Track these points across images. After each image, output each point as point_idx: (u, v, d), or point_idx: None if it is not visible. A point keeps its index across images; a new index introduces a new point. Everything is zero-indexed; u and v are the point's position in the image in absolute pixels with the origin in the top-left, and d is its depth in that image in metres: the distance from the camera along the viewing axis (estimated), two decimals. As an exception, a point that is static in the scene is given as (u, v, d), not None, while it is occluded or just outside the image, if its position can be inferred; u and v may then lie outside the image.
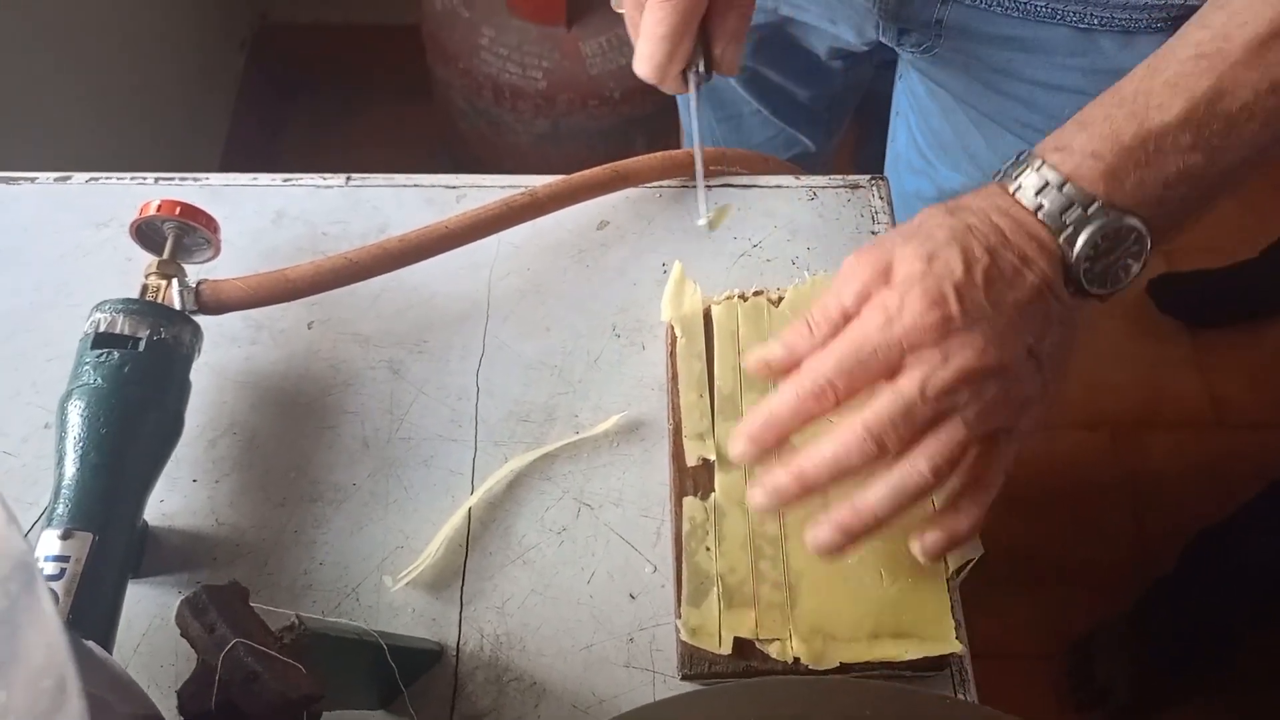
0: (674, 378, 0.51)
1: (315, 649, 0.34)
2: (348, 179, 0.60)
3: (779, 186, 0.60)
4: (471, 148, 1.38)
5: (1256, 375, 1.59)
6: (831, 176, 0.61)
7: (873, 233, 0.58)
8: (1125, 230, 0.41)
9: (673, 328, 0.53)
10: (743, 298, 0.53)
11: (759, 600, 0.45)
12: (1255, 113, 0.40)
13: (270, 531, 0.49)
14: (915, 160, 0.79)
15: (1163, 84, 0.41)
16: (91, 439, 0.44)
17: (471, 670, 0.46)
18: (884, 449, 0.40)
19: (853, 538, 0.42)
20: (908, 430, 0.40)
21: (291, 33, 1.72)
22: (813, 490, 0.42)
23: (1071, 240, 0.41)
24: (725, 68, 0.54)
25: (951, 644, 0.44)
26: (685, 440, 0.49)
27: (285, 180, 0.60)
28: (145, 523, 0.47)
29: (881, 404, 0.40)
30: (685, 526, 0.47)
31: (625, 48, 1.20)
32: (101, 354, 0.45)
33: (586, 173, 0.56)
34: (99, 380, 0.45)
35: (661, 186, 0.60)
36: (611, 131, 1.27)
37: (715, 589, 0.45)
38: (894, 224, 0.59)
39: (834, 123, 0.94)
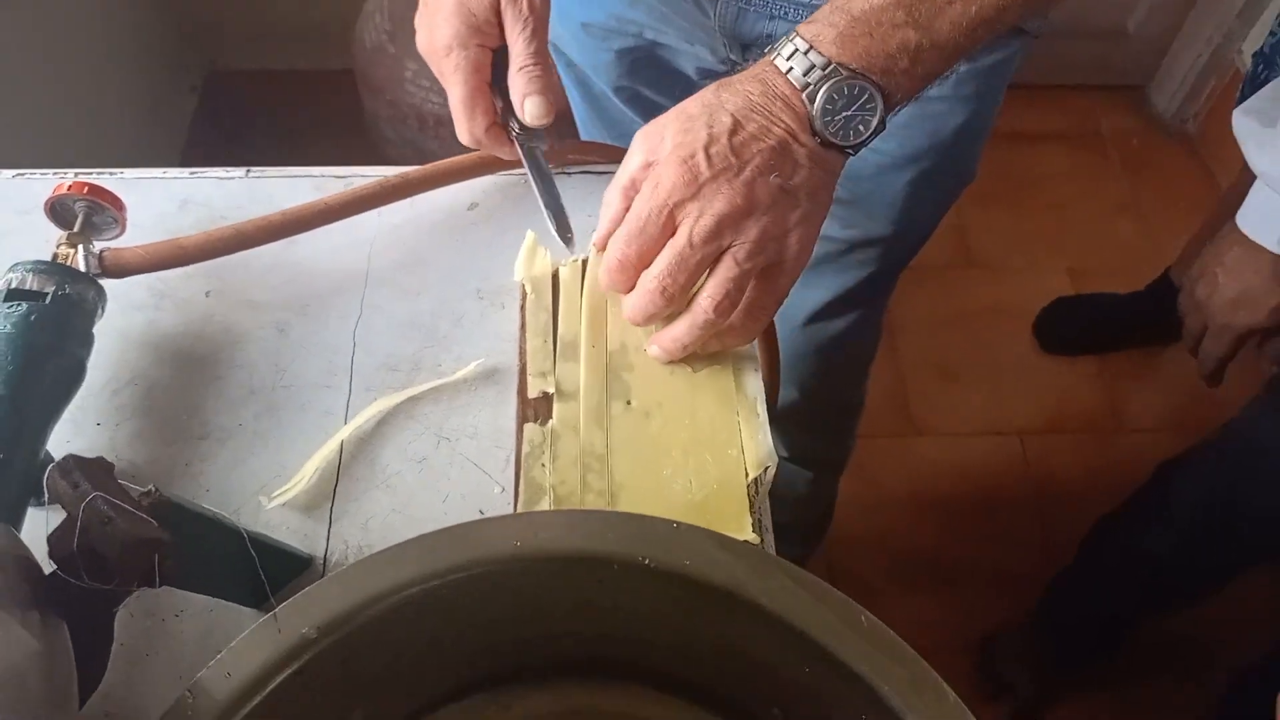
0: (523, 327, 0.59)
1: (171, 516, 0.41)
2: (247, 171, 0.68)
3: (629, 172, 0.68)
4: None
5: (1154, 385, 1.69)
6: (676, 163, 0.69)
7: (710, 209, 0.66)
8: (857, 89, 0.50)
9: (524, 286, 0.60)
10: (587, 262, 0.61)
11: (584, 505, 0.52)
12: None
13: (163, 466, 0.56)
14: None
15: None
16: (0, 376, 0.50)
17: (336, 576, 0.52)
18: (670, 295, 0.51)
19: (676, 357, 0.55)
20: (685, 275, 0.51)
21: (239, 78, 1.81)
22: (644, 325, 0.55)
23: (812, 96, 0.50)
24: (530, 118, 0.60)
25: (747, 533, 0.51)
26: (529, 377, 0.57)
27: (192, 173, 0.68)
28: (50, 455, 0.54)
29: (661, 257, 0.51)
30: (525, 448, 0.54)
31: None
32: (12, 306, 0.52)
33: (457, 158, 0.64)
34: (8, 327, 0.51)
35: (526, 174, 0.68)
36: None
37: (548, 498, 0.52)
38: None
39: None
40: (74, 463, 0.38)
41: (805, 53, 0.50)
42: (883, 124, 0.51)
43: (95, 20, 1.50)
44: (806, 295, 0.97)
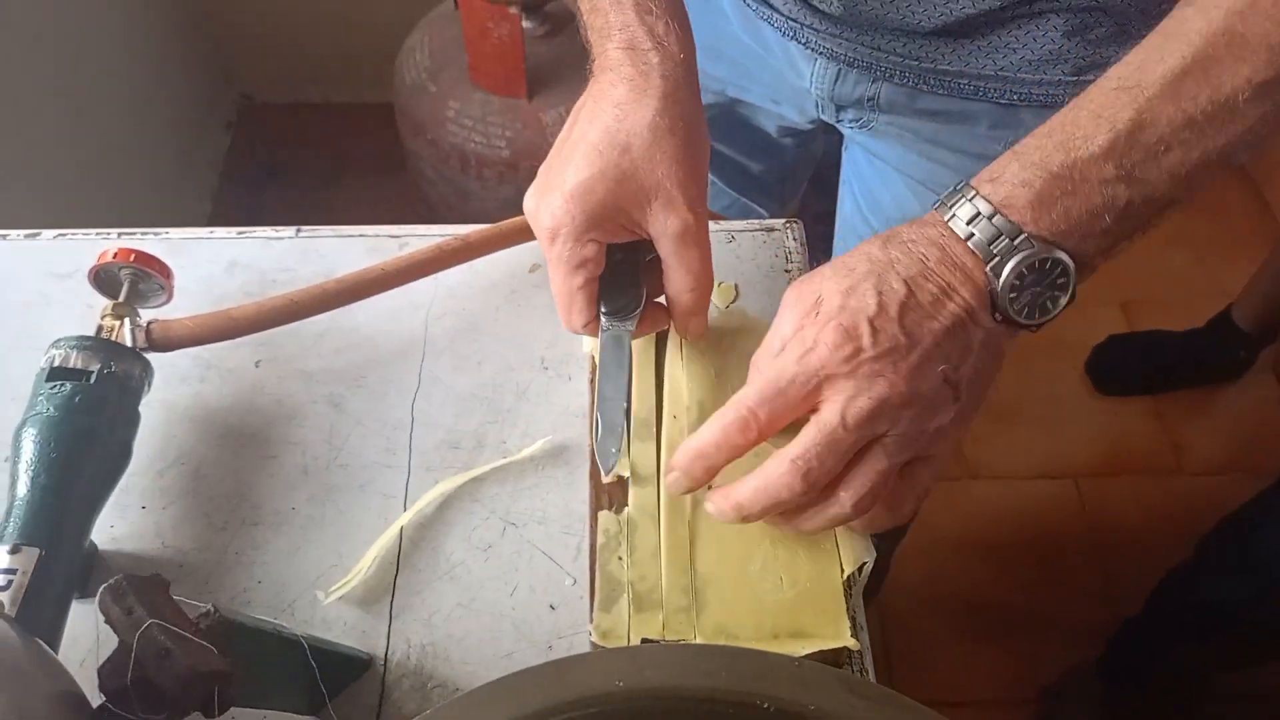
0: (592, 401, 0.55)
1: (231, 637, 0.37)
2: (297, 231, 0.65)
3: (699, 230, 0.64)
4: (441, 215, 1.44)
5: (1214, 425, 1.63)
6: (749, 221, 0.65)
7: (786, 271, 0.63)
8: (1051, 263, 0.42)
9: (593, 358, 0.56)
10: (660, 332, 0.57)
11: (667, 604, 0.48)
12: (1172, 145, 0.41)
13: (212, 553, 0.52)
14: (859, 225, 0.84)
15: (1088, 115, 0.43)
16: (42, 462, 0.47)
17: (398, 679, 0.48)
18: (812, 480, 0.42)
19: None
20: (832, 460, 0.42)
21: (274, 112, 1.80)
22: (750, 519, 0.45)
23: (998, 270, 0.42)
24: (692, 338, 0.53)
25: (846, 640, 0.47)
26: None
27: (239, 233, 0.65)
28: (94, 544, 0.50)
29: (805, 434, 0.42)
30: (600, 539, 0.50)
31: (585, 118, 1.26)
32: (55, 386, 0.49)
33: (515, 220, 0.61)
34: (51, 409, 0.48)
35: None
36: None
37: (626, 595, 0.48)
38: (807, 264, 0.63)
39: (787, 193, 0.99)
40: (128, 584, 0.35)
41: (990, 218, 0.43)
42: (1074, 297, 0.43)
43: (126, 56, 1.49)
44: None
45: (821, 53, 0.66)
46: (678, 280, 0.49)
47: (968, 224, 0.43)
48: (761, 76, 0.74)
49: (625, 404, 0.50)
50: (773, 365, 0.44)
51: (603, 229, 0.48)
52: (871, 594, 1.35)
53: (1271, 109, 0.42)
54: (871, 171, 0.78)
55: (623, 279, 0.51)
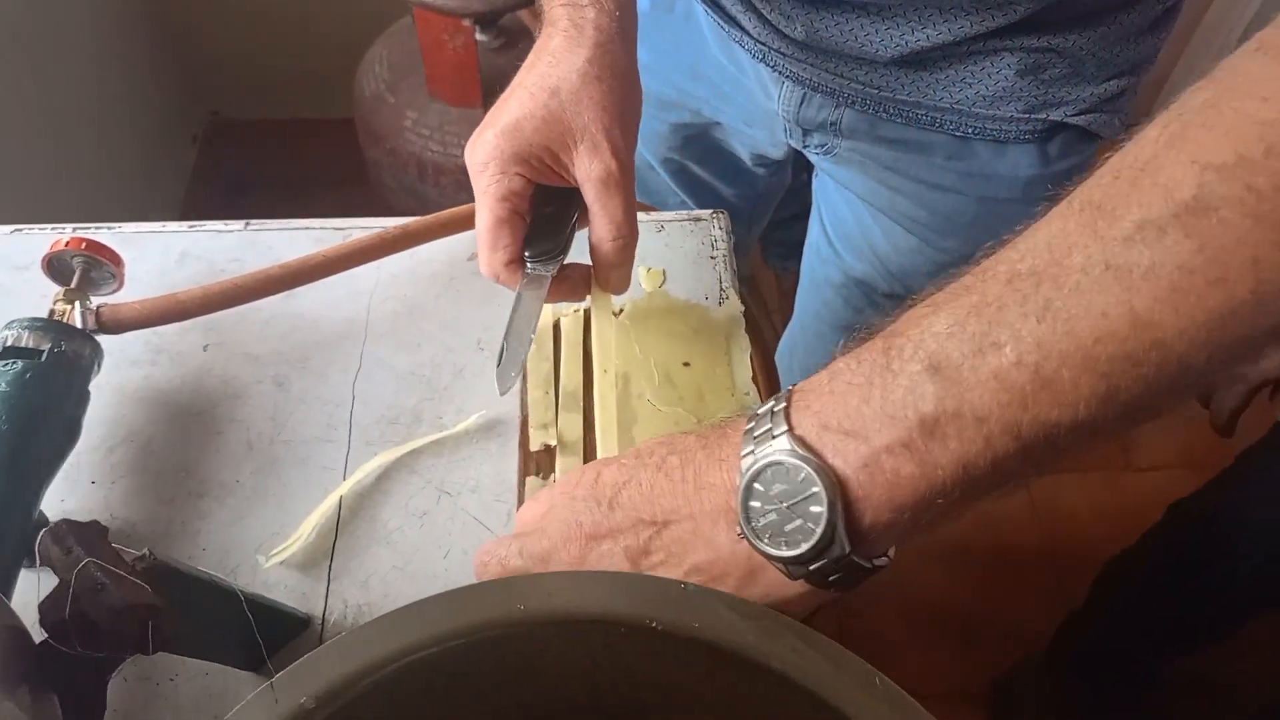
0: (524, 378, 0.58)
1: (166, 580, 0.40)
2: (246, 224, 0.67)
3: (630, 220, 0.68)
4: (405, 226, 1.47)
5: (1160, 423, 1.67)
6: (678, 212, 0.69)
7: (711, 258, 0.66)
8: (802, 476, 0.33)
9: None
10: (589, 312, 0.61)
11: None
12: (1003, 340, 0.31)
13: (159, 525, 0.55)
14: (825, 250, 0.87)
15: (918, 307, 0.35)
16: (-7, 435, 0.50)
17: (334, 636, 0.51)
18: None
19: None
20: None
21: (239, 127, 1.82)
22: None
23: (746, 470, 0.35)
24: (616, 292, 0.54)
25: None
26: (531, 430, 0.56)
27: (190, 227, 0.67)
28: (44, 515, 0.53)
29: (486, 547, 0.44)
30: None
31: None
32: (7, 363, 0.51)
33: (455, 209, 0.64)
34: (3, 385, 0.51)
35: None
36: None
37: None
38: (730, 254, 0.67)
39: (755, 218, 1.02)
40: (67, 527, 0.38)
41: (774, 411, 0.36)
42: (837, 545, 0.33)
43: (95, 71, 1.51)
44: None
45: (788, 76, 0.69)
46: (600, 227, 0.51)
47: (758, 415, 0.37)
48: (736, 98, 0.77)
49: (530, 337, 0.52)
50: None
51: (529, 165, 0.50)
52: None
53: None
54: (839, 198, 0.82)
55: (550, 228, 0.53)
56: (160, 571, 0.40)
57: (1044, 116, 0.65)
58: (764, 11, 0.65)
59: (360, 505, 0.55)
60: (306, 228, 0.68)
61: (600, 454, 0.53)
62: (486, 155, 0.51)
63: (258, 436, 0.58)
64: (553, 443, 0.55)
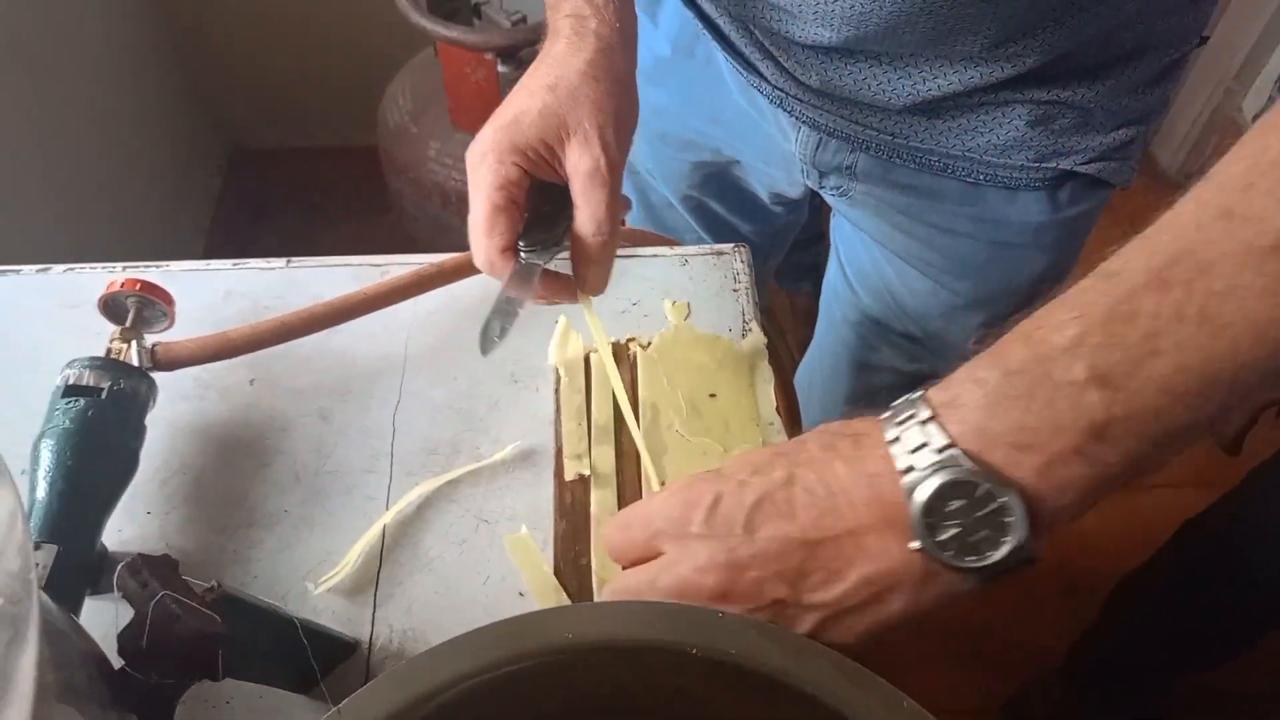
0: (558, 410, 0.61)
1: (232, 609, 0.42)
2: (288, 262, 0.70)
3: (656, 255, 0.71)
4: (423, 249, 1.49)
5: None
6: (701, 246, 0.71)
7: (734, 291, 0.69)
8: (982, 493, 0.35)
9: (558, 370, 0.62)
10: (618, 345, 0.63)
11: (623, 587, 0.53)
12: (1162, 346, 0.33)
13: (212, 553, 0.57)
14: (842, 288, 0.89)
15: (1058, 305, 0.36)
16: (59, 470, 0.52)
17: (382, 660, 0.53)
18: None
19: None
20: None
21: (263, 157, 1.86)
22: None
23: (912, 488, 0.36)
24: (593, 292, 0.54)
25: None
26: (565, 460, 0.59)
27: (234, 264, 0.70)
28: (104, 545, 0.55)
29: (618, 582, 0.42)
30: (562, 530, 0.56)
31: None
32: (70, 402, 0.54)
33: (488, 248, 0.67)
34: (67, 422, 0.54)
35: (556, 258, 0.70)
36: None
37: (590, 581, 0.54)
38: (752, 287, 0.69)
39: (772, 254, 1.04)
40: (142, 561, 0.40)
41: (924, 423, 0.36)
42: (1027, 553, 0.35)
43: (130, 106, 1.55)
44: None
45: (805, 121, 0.72)
46: (583, 220, 0.51)
47: (898, 425, 0.37)
48: (755, 139, 0.79)
49: (517, 311, 0.53)
50: (638, 504, 0.44)
51: (525, 157, 0.52)
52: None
53: None
54: (855, 239, 0.84)
55: (546, 222, 0.54)
56: (227, 601, 0.42)
57: (1054, 165, 0.67)
58: (781, 60, 0.68)
59: (403, 533, 0.58)
60: (345, 264, 0.70)
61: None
62: (485, 148, 0.52)
63: (304, 468, 0.60)
64: (586, 473, 0.58)
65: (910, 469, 0.36)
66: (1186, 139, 2.00)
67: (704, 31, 0.73)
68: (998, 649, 1.49)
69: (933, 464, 0.35)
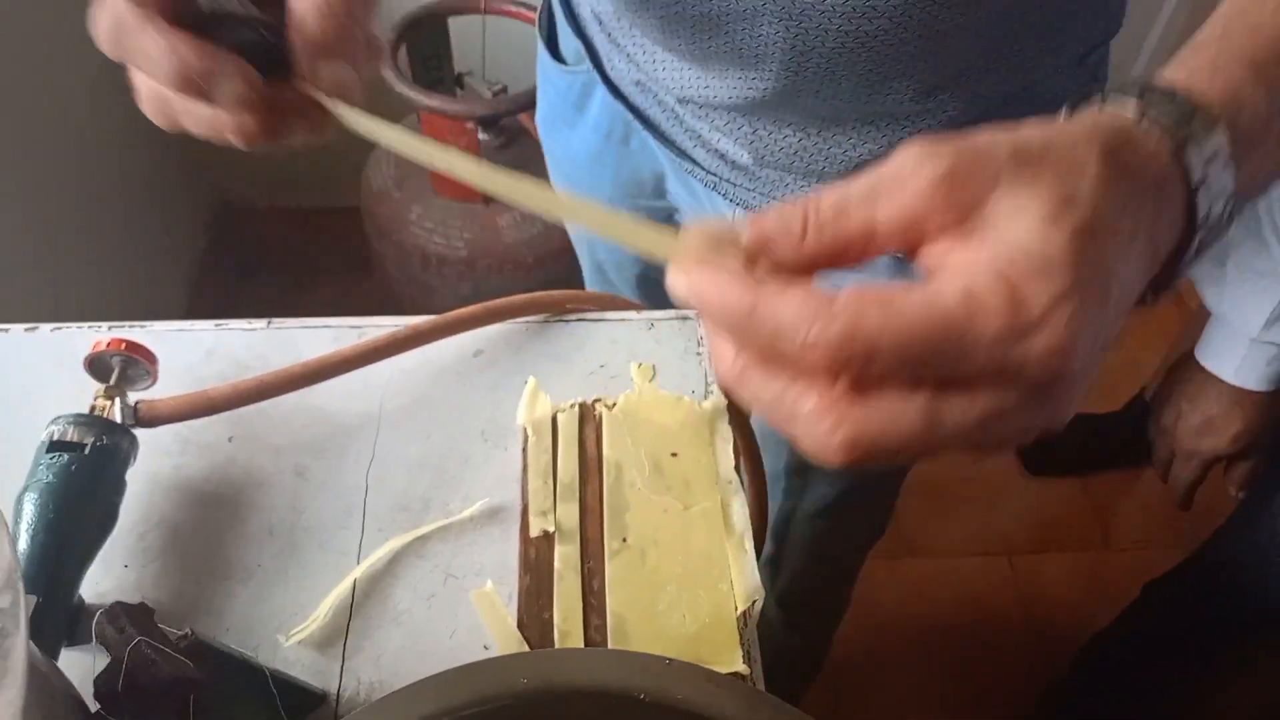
0: (525, 468, 0.63)
1: (205, 656, 0.44)
2: (269, 323, 0.73)
3: (623, 320, 0.74)
4: (405, 310, 1.53)
5: (1138, 501, 1.73)
6: (666, 311, 0.75)
7: (697, 354, 0.72)
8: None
9: (526, 429, 0.65)
10: (584, 406, 0.66)
11: (586, 641, 0.55)
12: None
13: (186, 604, 0.59)
14: None
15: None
16: (41, 522, 0.54)
17: (349, 710, 0.55)
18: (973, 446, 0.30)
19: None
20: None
21: (250, 216, 1.90)
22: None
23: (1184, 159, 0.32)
24: (324, 82, 0.43)
25: (738, 666, 0.54)
26: (531, 517, 0.61)
27: (217, 325, 0.73)
28: (81, 598, 0.57)
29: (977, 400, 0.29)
30: (528, 584, 0.58)
31: (535, 220, 1.38)
32: (54, 456, 0.56)
33: (463, 310, 0.70)
34: (50, 477, 0.56)
35: (527, 321, 0.73)
36: (526, 291, 1.43)
37: (553, 634, 0.56)
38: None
39: None
40: (120, 609, 0.42)
41: (1172, 97, 0.33)
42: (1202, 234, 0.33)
43: (119, 163, 1.59)
44: (816, 491, 1.00)
45: (738, 203, 0.76)
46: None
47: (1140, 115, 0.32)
48: (696, 217, 0.83)
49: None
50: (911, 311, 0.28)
51: None
52: (808, 678, 1.41)
53: None
54: None
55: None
56: (201, 649, 0.44)
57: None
58: (713, 142, 0.72)
59: (373, 588, 0.60)
60: (325, 325, 0.73)
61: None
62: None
63: (279, 523, 0.62)
64: (551, 529, 0.60)
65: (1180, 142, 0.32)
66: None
67: (633, 121, 0.77)
68: (970, 703, 1.50)
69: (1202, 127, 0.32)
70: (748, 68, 0.64)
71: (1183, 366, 0.85)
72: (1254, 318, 0.75)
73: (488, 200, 1.38)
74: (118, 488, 0.59)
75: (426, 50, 1.46)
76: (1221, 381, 0.80)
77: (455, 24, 1.49)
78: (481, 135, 1.36)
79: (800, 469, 0.96)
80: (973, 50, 0.61)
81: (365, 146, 1.57)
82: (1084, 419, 1.76)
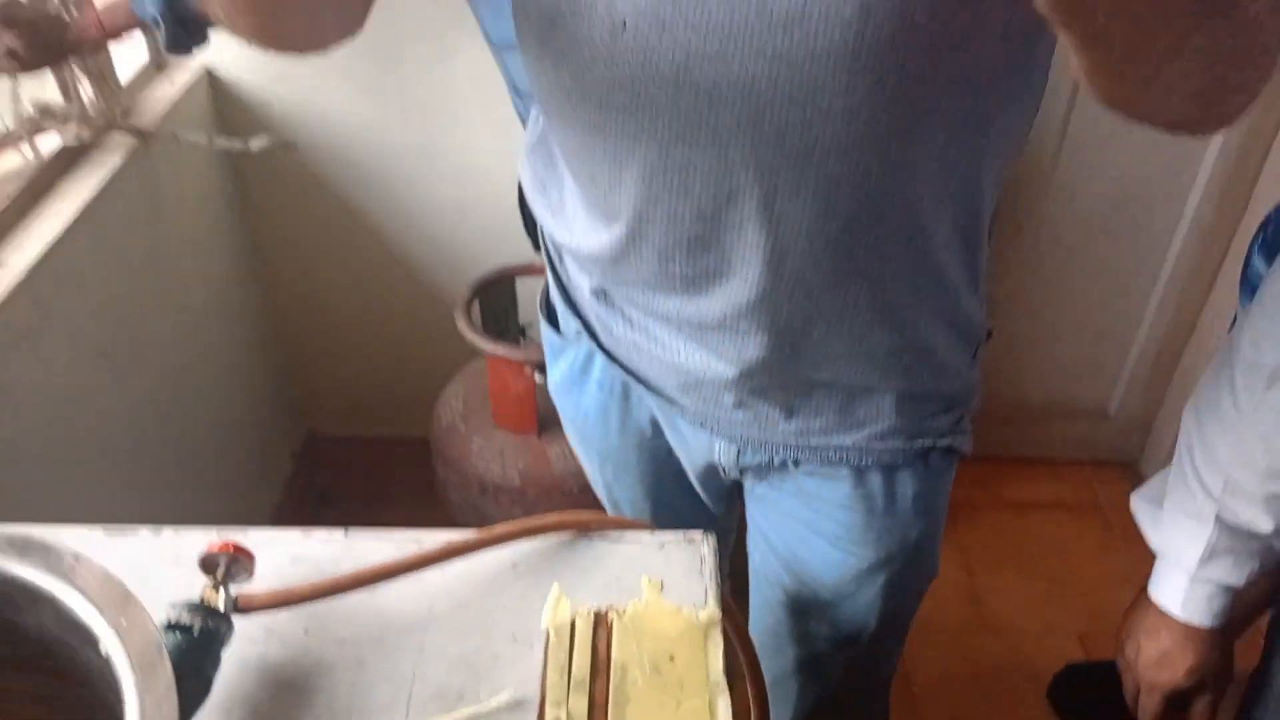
0: (545, 664, 0.75)
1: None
2: (345, 532, 0.88)
3: (638, 541, 0.87)
4: (464, 534, 1.69)
5: None
6: (674, 533, 0.88)
7: (699, 572, 0.84)
8: None
9: (548, 631, 0.77)
10: (599, 613, 0.78)
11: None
12: None
13: (257, 769, 0.71)
14: (762, 564, 1.07)
15: None
16: (153, 688, 0.68)
17: None
18: None
19: None
20: None
21: (331, 444, 2.10)
22: None
23: None
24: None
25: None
26: (546, 707, 0.72)
27: (303, 533, 0.88)
28: (173, 756, 0.69)
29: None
30: (540, 764, 0.68)
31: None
32: (169, 634, 0.71)
33: (502, 525, 0.84)
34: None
35: (559, 538, 0.87)
36: (577, 520, 1.58)
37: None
38: (715, 568, 0.85)
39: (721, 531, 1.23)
40: None
41: None
42: None
43: (218, 393, 1.82)
44: (797, 695, 1.11)
45: (723, 435, 0.92)
46: None
47: None
48: (684, 454, 1.00)
49: None
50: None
51: None
52: None
53: None
54: (775, 517, 1.01)
55: None
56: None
57: (922, 443, 0.86)
58: (700, 391, 0.89)
59: (411, 762, 0.71)
60: (389, 537, 0.88)
61: None
62: None
63: (338, 706, 0.75)
64: (564, 718, 0.71)
65: None
66: (1171, 459, 2.16)
67: (629, 379, 0.94)
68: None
69: None
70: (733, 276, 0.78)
71: (1141, 601, 0.92)
72: (1189, 556, 0.84)
73: (540, 432, 1.56)
74: (215, 664, 0.72)
75: (497, 306, 1.70)
76: (1171, 617, 0.88)
77: (522, 284, 1.74)
78: (537, 379, 1.55)
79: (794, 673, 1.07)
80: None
81: (438, 384, 1.78)
82: (1114, 666, 1.77)
